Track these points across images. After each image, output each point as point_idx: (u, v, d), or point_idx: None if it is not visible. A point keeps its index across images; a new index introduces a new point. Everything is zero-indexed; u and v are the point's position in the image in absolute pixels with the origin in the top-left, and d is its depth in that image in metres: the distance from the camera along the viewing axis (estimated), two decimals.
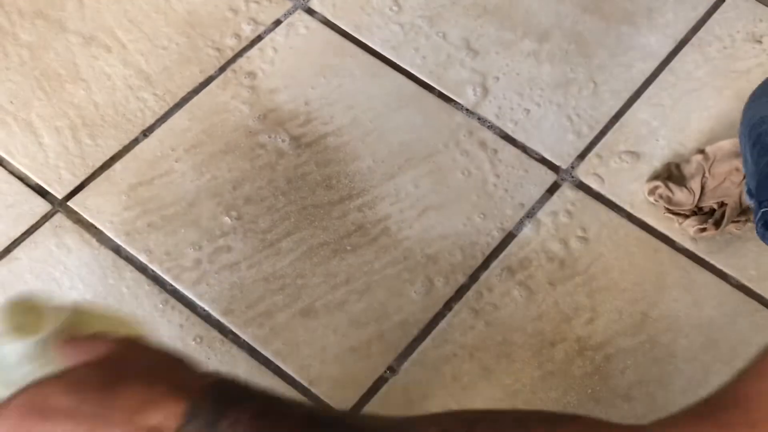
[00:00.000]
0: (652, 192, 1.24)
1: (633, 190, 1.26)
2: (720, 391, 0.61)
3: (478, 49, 1.38)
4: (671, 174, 1.26)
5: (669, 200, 1.23)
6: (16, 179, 1.25)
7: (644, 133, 1.31)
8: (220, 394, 0.58)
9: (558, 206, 1.25)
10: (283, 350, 1.14)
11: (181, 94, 1.32)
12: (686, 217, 1.23)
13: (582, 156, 1.29)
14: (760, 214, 1.13)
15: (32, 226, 1.21)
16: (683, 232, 1.23)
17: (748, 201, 1.19)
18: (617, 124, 1.32)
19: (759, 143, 1.16)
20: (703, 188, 1.24)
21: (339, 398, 1.11)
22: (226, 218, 1.23)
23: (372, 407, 1.11)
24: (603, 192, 1.26)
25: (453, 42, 1.38)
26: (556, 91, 1.34)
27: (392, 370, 1.14)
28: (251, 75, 1.34)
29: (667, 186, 1.24)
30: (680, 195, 1.23)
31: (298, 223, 1.23)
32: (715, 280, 1.20)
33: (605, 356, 1.15)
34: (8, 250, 1.20)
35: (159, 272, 1.19)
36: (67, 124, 1.29)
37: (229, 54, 1.36)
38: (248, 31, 1.38)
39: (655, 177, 1.26)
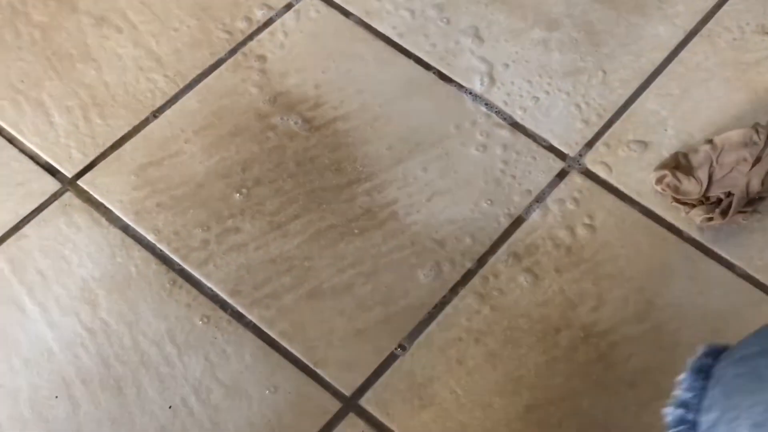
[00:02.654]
0: (659, 181, 1.25)
1: (640, 178, 1.26)
2: None
3: (487, 36, 1.38)
4: (679, 163, 1.26)
5: (676, 189, 1.24)
6: (27, 157, 1.26)
7: (653, 122, 1.31)
8: None
9: (565, 194, 1.25)
10: (289, 331, 1.15)
11: (192, 76, 1.33)
12: (693, 206, 1.23)
13: (590, 144, 1.29)
14: None
15: (42, 204, 1.22)
16: (690, 221, 1.23)
17: None
18: (626, 113, 1.32)
19: None
20: (710, 178, 1.24)
21: (345, 380, 1.12)
22: (235, 200, 1.23)
23: (377, 389, 1.12)
24: (610, 180, 1.27)
25: (462, 29, 1.38)
26: (565, 79, 1.34)
27: (398, 353, 1.14)
28: (261, 58, 1.34)
29: (674, 175, 1.24)
30: (688, 184, 1.24)
31: (307, 205, 1.23)
32: (721, 269, 1.20)
33: (610, 343, 1.15)
34: (18, 227, 1.20)
35: (167, 252, 1.19)
36: (78, 104, 1.29)
37: (240, 37, 1.36)
38: (259, 15, 1.38)
39: (663, 166, 1.26)
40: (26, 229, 1.20)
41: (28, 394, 1.10)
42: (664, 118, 1.31)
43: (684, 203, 1.24)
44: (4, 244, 1.19)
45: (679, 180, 1.24)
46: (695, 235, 1.22)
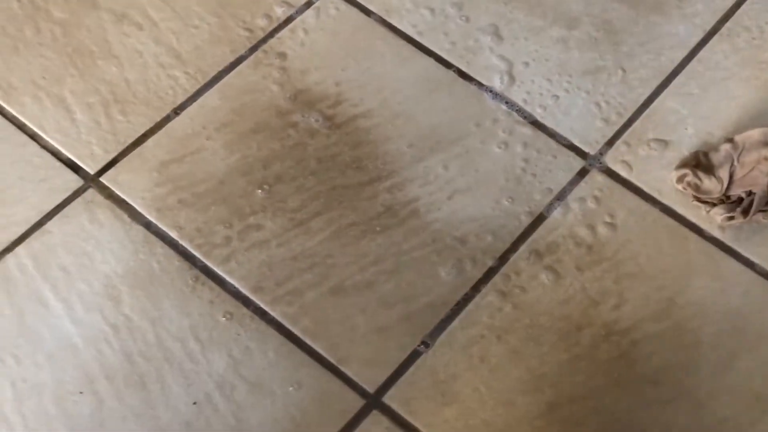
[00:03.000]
0: (680, 180, 1.25)
1: (661, 177, 1.27)
2: None
3: (506, 34, 1.38)
4: (699, 162, 1.27)
5: (697, 188, 1.24)
6: (49, 154, 1.26)
7: (673, 121, 1.31)
8: None
9: (586, 192, 1.26)
10: (312, 328, 1.15)
11: (212, 73, 1.33)
12: (714, 205, 1.23)
13: (610, 143, 1.30)
14: None
15: (64, 201, 1.22)
16: (711, 220, 1.23)
17: None
18: (646, 112, 1.32)
19: None
20: (731, 177, 1.24)
21: (368, 377, 1.12)
22: (256, 197, 1.23)
23: (400, 387, 1.12)
24: (631, 179, 1.27)
25: (482, 27, 1.39)
26: (584, 77, 1.35)
27: (420, 350, 1.14)
28: (282, 56, 1.35)
29: (695, 174, 1.24)
30: (708, 183, 1.24)
31: (328, 203, 1.23)
32: (742, 268, 1.21)
33: (632, 341, 1.16)
34: (41, 223, 1.21)
35: (189, 248, 1.20)
36: (99, 101, 1.30)
37: (260, 34, 1.36)
38: (279, 12, 1.39)
39: (684, 165, 1.26)
40: (49, 226, 1.21)
41: (52, 389, 1.11)
42: (684, 117, 1.32)
43: (705, 202, 1.24)
44: (28, 240, 1.19)
45: (699, 179, 1.24)
46: (716, 233, 1.23)
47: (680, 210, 1.25)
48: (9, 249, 1.19)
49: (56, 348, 1.13)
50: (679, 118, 1.32)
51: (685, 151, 1.29)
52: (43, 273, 1.18)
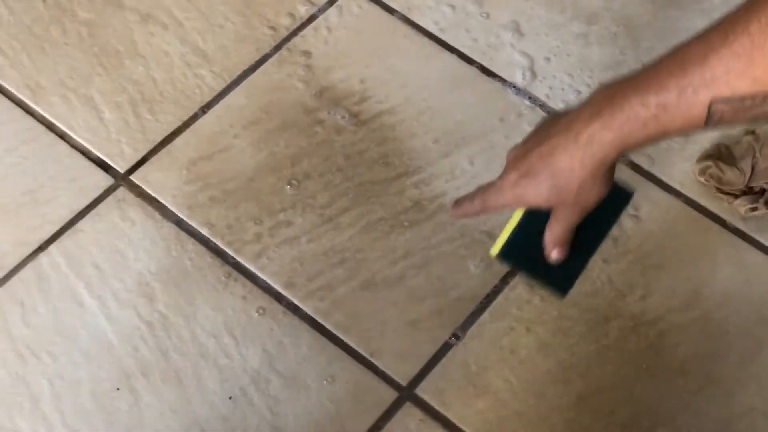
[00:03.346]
0: (702, 172, 1.27)
1: (684, 170, 1.28)
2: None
3: (527, 30, 1.40)
4: (721, 154, 1.28)
5: (719, 180, 1.26)
6: (79, 153, 1.27)
7: None
8: None
9: None
10: (344, 323, 1.17)
11: (238, 71, 1.34)
12: (736, 196, 1.25)
13: None
14: None
15: (96, 200, 1.24)
16: (734, 211, 1.25)
17: None
18: None
19: None
20: (753, 168, 1.26)
21: (400, 370, 1.14)
22: (286, 193, 1.25)
23: (432, 379, 1.13)
24: (654, 172, 1.28)
25: (503, 23, 1.40)
26: (605, 72, 1.36)
27: (451, 342, 1.16)
28: (306, 54, 1.36)
29: (717, 166, 1.26)
30: (731, 175, 1.26)
31: (356, 198, 1.25)
32: (765, 258, 1.22)
33: (659, 332, 1.17)
34: (72, 222, 1.22)
35: (221, 245, 1.21)
36: (127, 100, 1.31)
37: (284, 33, 1.38)
38: (302, 11, 1.40)
39: (706, 157, 1.28)
40: (81, 224, 1.22)
41: (89, 386, 1.12)
42: None
43: (727, 193, 1.25)
44: (60, 239, 1.21)
45: (722, 171, 1.26)
46: (739, 224, 1.24)
47: (703, 202, 1.26)
48: (42, 248, 1.20)
49: (92, 345, 1.14)
50: None
51: (706, 143, 1.30)
52: (76, 271, 1.19)
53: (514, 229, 0.89)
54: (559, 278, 0.91)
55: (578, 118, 0.77)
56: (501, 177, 0.86)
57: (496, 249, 0.90)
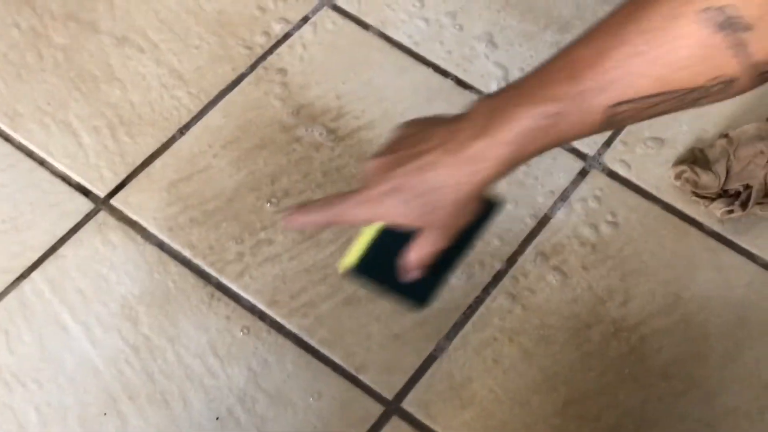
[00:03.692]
0: (678, 176, 1.28)
1: (659, 174, 1.30)
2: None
3: (501, 41, 1.41)
4: (696, 158, 1.29)
5: (695, 184, 1.27)
6: (59, 179, 1.28)
7: (667, 119, 1.33)
8: None
9: (587, 192, 1.28)
10: (328, 339, 1.17)
11: (215, 92, 1.35)
12: (713, 200, 1.26)
13: (608, 143, 1.32)
14: None
15: (77, 225, 1.24)
16: (710, 214, 1.26)
17: None
18: None
19: None
20: (728, 171, 1.27)
21: (386, 384, 1.15)
22: (266, 212, 1.25)
23: (418, 392, 1.14)
24: (630, 177, 1.30)
25: (476, 35, 1.41)
26: None
27: (436, 354, 1.17)
28: (282, 71, 1.37)
29: (692, 170, 1.27)
30: (706, 178, 1.27)
31: None
32: (743, 260, 1.24)
33: (640, 337, 1.18)
34: (55, 248, 1.22)
35: (203, 266, 1.22)
36: (105, 124, 1.32)
37: (260, 51, 1.39)
38: (277, 29, 1.41)
39: (681, 161, 1.29)
40: (63, 250, 1.22)
41: (77, 411, 1.12)
42: (678, 115, 1.34)
43: (703, 197, 1.27)
44: (43, 265, 1.21)
45: (697, 174, 1.27)
46: (716, 227, 1.26)
47: (680, 206, 1.28)
48: (24, 275, 1.20)
49: (78, 371, 1.15)
50: (673, 117, 1.34)
51: (681, 147, 1.32)
52: (60, 297, 1.19)
53: (369, 244, 0.79)
54: (417, 292, 0.81)
55: (461, 132, 0.71)
56: (363, 188, 0.75)
57: (346, 264, 0.80)
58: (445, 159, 0.71)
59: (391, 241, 0.78)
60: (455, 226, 0.74)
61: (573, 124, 0.68)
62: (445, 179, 0.71)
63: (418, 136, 0.74)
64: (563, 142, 0.71)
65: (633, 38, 0.64)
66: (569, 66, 0.67)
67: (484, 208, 0.78)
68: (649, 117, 0.69)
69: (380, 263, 0.80)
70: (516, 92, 0.70)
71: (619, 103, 0.66)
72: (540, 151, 0.70)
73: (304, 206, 0.80)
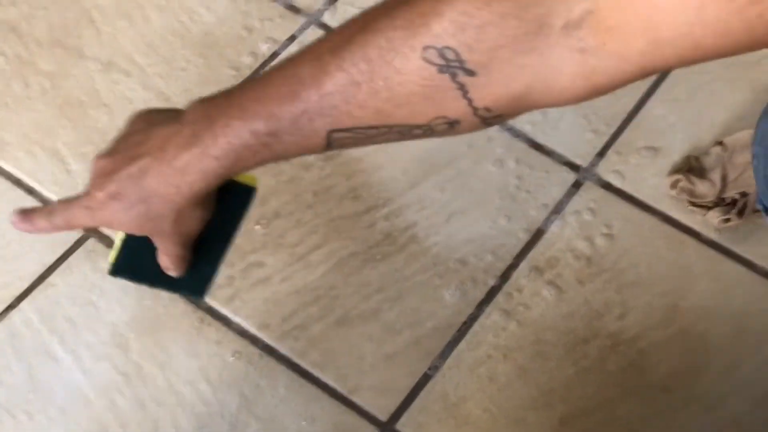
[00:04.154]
0: (674, 185, 1.26)
1: (655, 184, 1.28)
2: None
3: None
4: (692, 167, 1.28)
5: (691, 192, 1.25)
6: None
7: (662, 127, 1.33)
8: None
9: (581, 205, 1.27)
10: (320, 361, 1.16)
11: None
12: (709, 208, 1.24)
13: (601, 154, 1.31)
14: None
15: (66, 252, 1.23)
16: (707, 223, 1.24)
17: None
18: (634, 121, 1.33)
19: None
20: (724, 179, 1.25)
21: (380, 405, 1.13)
22: (256, 234, 1.24)
23: (412, 413, 1.12)
24: (625, 188, 1.28)
25: None
26: None
27: (430, 374, 1.15)
28: None
29: (688, 179, 1.25)
30: (702, 187, 1.25)
31: (327, 235, 1.24)
32: (742, 269, 1.21)
33: (639, 350, 1.16)
34: (44, 276, 1.21)
35: None
36: (93, 150, 1.29)
37: (247, 72, 1.38)
38: (264, 49, 1.40)
39: (676, 170, 1.28)
40: (52, 278, 1.21)
41: None
42: (673, 123, 1.33)
43: (700, 206, 1.25)
44: (32, 294, 1.20)
45: (693, 183, 1.25)
46: (713, 236, 1.24)
47: (676, 215, 1.26)
48: (13, 305, 1.19)
49: (68, 401, 1.13)
50: (667, 124, 1.33)
51: (676, 156, 1.30)
52: (49, 326, 1.18)
53: (123, 243, 0.79)
54: (190, 283, 0.80)
55: (172, 140, 0.68)
56: (87, 193, 0.74)
57: (110, 265, 0.80)
58: (156, 167, 0.69)
59: (143, 240, 0.76)
60: (182, 233, 0.73)
61: (291, 144, 0.66)
62: (157, 188, 0.69)
63: (139, 137, 0.72)
64: (282, 160, 0.69)
65: (352, 65, 0.61)
66: (291, 82, 0.64)
67: (237, 193, 0.78)
68: (376, 143, 0.66)
69: (140, 260, 0.79)
70: (234, 102, 0.67)
71: (339, 130, 0.64)
72: (255, 166, 0.68)
73: (28, 211, 0.79)
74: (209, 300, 1.19)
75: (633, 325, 1.18)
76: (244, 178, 0.77)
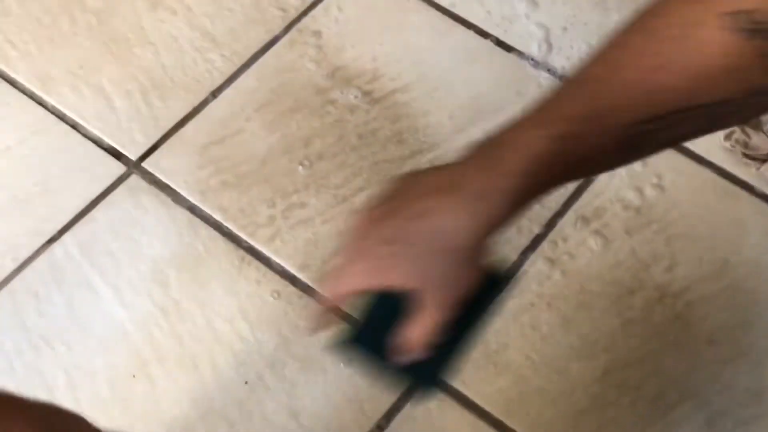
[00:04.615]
0: (728, 137, 1.23)
1: (708, 136, 1.24)
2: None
3: (542, 0, 1.36)
4: None
5: (746, 144, 1.22)
6: (91, 142, 1.26)
7: None
8: None
9: None
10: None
11: (248, 54, 1.32)
12: (764, 161, 1.21)
13: None
14: None
15: (108, 188, 1.23)
16: (760, 176, 1.21)
17: None
18: None
19: None
20: None
21: None
22: (299, 175, 1.23)
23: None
24: None
25: None
26: None
27: None
28: (317, 34, 1.34)
29: (743, 131, 1.22)
30: (757, 139, 1.22)
31: (370, 178, 1.23)
32: None
33: (686, 303, 1.14)
34: (86, 211, 1.21)
35: (234, 230, 1.19)
36: (137, 87, 1.30)
37: (294, 14, 1.36)
38: None
39: None
40: (94, 213, 1.21)
41: (105, 374, 1.11)
42: None
43: (754, 158, 1.21)
44: (74, 228, 1.20)
45: (748, 135, 1.22)
46: (767, 190, 1.20)
47: (729, 168, 1.22)
48: (55, 238, 1.19)
49: (107, 333, 1.13)
50: None
51: None
52: (90, 260, 1.18)
53: (362, 315, 0.69)
54: (420, 374, 0.69)
55: (462, 170, 0.63)
56: (349, 246, 0.66)
57: (335, 336, 0.70)
58: (444, 201, 0.62)
59: (384, 313, 0.67)
60: (458, 287, 0.63)
61: (591, 147, 0.60)
62: (445, 224, 0.61)
63: (413, 186, 0.65)
64: (581, 175, 0.63)
65: (650, 50, 0.58)
66: (582, 86, 0.61)
67: (491, 282, 0.68)
68: (679, 138, 0.62)
69: (373, 338, 0.68)
70: (522, 122, 0.62)
71: (641, 122, 0.59)
72: (555, 183, 0.62)
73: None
74: (249, 239, 1.18)
75: (681, 277, 1.15)
76: (495, 270, 0.69)
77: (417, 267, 0.62)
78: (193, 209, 1.21)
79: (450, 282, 0.63)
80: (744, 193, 1.21)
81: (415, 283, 0.63)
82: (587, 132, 0.59)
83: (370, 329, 0.68)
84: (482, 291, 0.66)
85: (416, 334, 0.65)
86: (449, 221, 0.61)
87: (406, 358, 0.66)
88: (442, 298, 0.63)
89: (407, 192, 0.65)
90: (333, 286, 0.67)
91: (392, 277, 0.63)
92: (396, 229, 0.63)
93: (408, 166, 1.23)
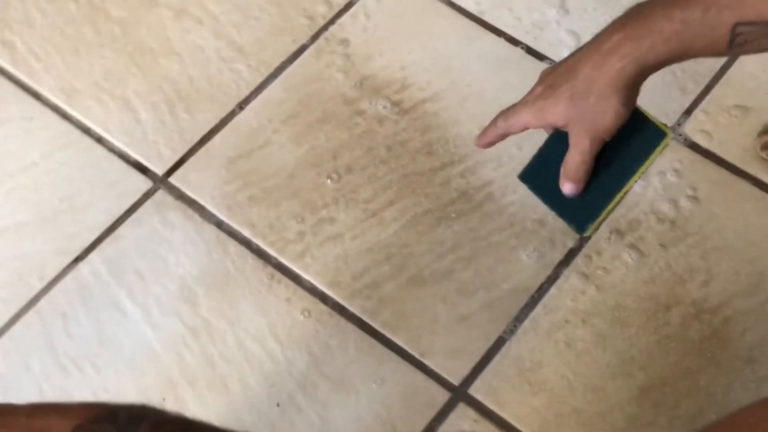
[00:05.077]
0: (765, 147, 1.20)
1: (744, 145, 1.22)
2: None
3: (573, 6, 1.34)
4: None
5: None
6: (117, 157, 1.25)
7: (752, 86, 1.26)
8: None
9: (665, 165, 1.21)
10: (392, 321, 1.13)
11: (275, 64, 1.30)
12: None
13: (688, 112, 1.25)
14: None
15: (135, 204, 1.21)
16: None
17: None
18: (723, 78, 1.27)
19: None
20: None
21: (452, 369, 1.10)
22: (327, 189, 1.21)
23: (485, 377, 1.09)
24: (712, 149, 1.22)
25: (548, 0, 1.34)
26: None
27: (504, 337, 1.11)
28: (344, 42, 1.32)
29: None
30: None
31: (400, 191, 1.21)
32: None
33: (723, 318, 1.11)
34: (113, 228, 1.20)
35: (263, 246, 1.18)
36: (163, 99, 1.28)
37: (321, 22, 1.34)
38: None
39: (766, 131, 1.21)
40: (121, 230, 1.19)
41: (135, 397, 1.10)
42: (765, 82, 1.26)
43: None
44: (101, 246, 1.18)
45: None
46: None
47: (765, 178, 1.20)
48: (81, 257, 1.18)
49: (136, 354, 1.12)
50: (758, 83, 1.26)
51: (766, 115, 1.24)
52: (117, 278, 1.17)
53: (538, 152, 0.90)
54: (577, 213, 0.88)
55: (606, 32, 0.81)
56: (525, 96, 0.87)
57: (523, 170, 0.94)
58: (589, 54, 0.81)
59: (557, 152, 0.86)
60: (600, 124, 0.81)
61: (699, 35, 0.73)
62: (588, 71, 0.79)
63: (569, 58, 0.85)
64: (692, 54, 0.76)
65: None
66: None
67: (648, 133, 0.83)
68: None
69: (546, 173, 0.88)
70: (652, 1, 0.78)
71: (743, 23, 0.70)
72: (669, 57, 0.76)
73: (485, 130, 0.94)
74: (278, 255, 1.17)
75: (718, 292, 1.13)
76: (658, 123, 0.84)
77: (566, 105, 0.82)
78: (220, 225, 1.19)
79: (593, 117, 0.81)
80: None
81: (565, 118, 0.83)
82: (696, 20, 0.73)
83: (544, 167, 0.89)
84: (633, 137, 0.83)
85: (567, 165, 0.85)
86: (588, 70, 0.80)
87: (564, 191, 0.86)
88: (584, 133, 0.82)
89: (575, 51, 0.84)
90: (504, 118, 0.89)
91: (548, 115, 0.84)
92: (554, 77, 0.83)
93: (438, 178, 1.21)
